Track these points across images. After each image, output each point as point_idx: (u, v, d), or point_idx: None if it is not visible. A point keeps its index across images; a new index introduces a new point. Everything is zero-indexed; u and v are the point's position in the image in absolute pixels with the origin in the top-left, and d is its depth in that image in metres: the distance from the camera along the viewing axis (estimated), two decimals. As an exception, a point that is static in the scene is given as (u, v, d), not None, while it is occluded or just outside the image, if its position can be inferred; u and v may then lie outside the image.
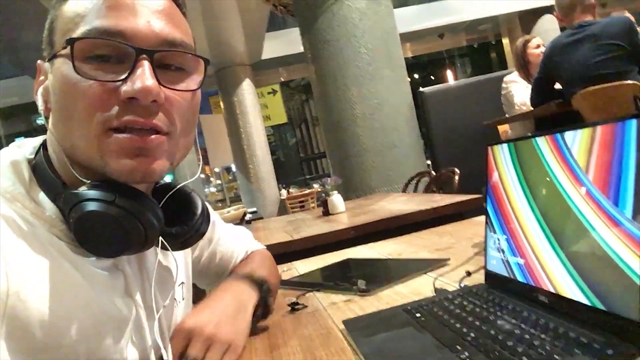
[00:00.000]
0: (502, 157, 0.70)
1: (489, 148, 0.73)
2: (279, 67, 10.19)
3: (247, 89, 8.48)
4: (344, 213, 2.34)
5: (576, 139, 0.55)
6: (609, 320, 0.48)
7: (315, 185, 8.39)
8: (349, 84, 3.66)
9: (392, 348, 0.57)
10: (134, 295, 0.61)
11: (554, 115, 2.76)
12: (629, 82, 2.24)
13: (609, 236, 0.49)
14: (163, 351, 0.62)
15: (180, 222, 0.63)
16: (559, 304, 0.56)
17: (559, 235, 0.57)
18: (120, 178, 0.55)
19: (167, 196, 0.64)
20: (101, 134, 0.54)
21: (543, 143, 0.60)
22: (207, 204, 0.70)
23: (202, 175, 15.37)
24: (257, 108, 8.66)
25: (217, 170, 15.59)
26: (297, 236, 1.80)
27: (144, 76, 0.53)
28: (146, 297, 0.63)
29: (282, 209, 7.56)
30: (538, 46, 3.24)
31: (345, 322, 0.69)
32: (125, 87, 0.53)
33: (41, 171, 0.58)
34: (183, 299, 0.74)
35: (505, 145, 0.69)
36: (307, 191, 7.52)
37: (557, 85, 2.77)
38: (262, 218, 4.01)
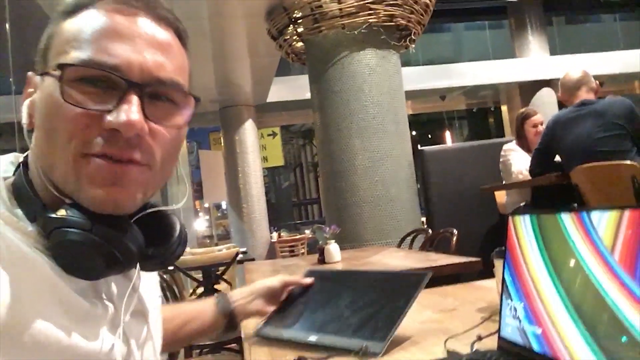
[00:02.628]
0: (523, 227, 0.73)
1: (510, 218, 0.76)
2: (282, 111, 10.33)
3: (249, 129, 8.57)
4: (340, 263, 2.34)
5: (603, 219, 0.57)
6: (631, 398, 0.49)
7: (307, 231, 8.37)
8: (352, 135, 3.73)
9: None
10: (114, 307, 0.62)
11: (550, 185, 2.82)
12: (628, 162, 2.31)
13: (634, 317, 0.51)
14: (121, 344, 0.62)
15: (158, 243, 0.64)
16: (577, 377, 0.57)
17: (580, 309, 0.59)
18: (92, 207, 0.55)
19: (140, 215, 0.63)
20: (79, 157, 0.54)
21: (568, 219, 0.63)
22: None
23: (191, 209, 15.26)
24: (257, 148, 8.73)
25: (206, 205, 15.53)
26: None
27: (130, 111, 0.54)
28: (122, 307, 0.63)
29: (271, 252, 7.51)
30: (535, 125, 3.32)
31: (359, 376, 0.70)
32: (110, 118, 0.54)
33: (19, 190, 0.58)
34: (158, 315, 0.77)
35: (527, 217, 0.72)
36: (299, 236, 7.50)
37: (557, 158, 2.85)
38: (253, 259, 3.98)
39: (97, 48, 0.55)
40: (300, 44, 4.38)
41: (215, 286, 3.50)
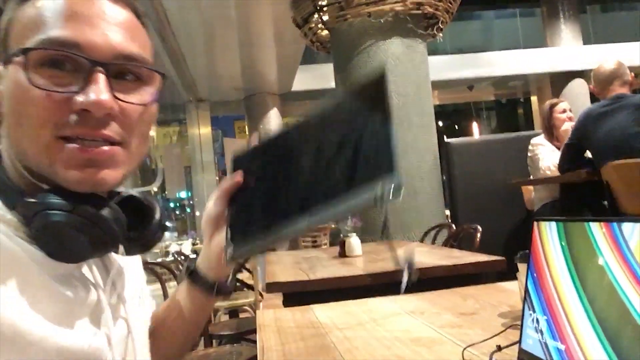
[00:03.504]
0: (548, 234, 0.68)
1: (535, 223, 0.72)
2: (306, 100, 10.31)
3: (273, 118, 8.58)
4: (361, 257, 2.31)
5: (636, 232, 0.53)
6: None
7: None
8: (377, 126, 3.68)
9: None
10: (98, 290, 0.62)
11: (580, 182, 2.74)
12: (663, 159, 2.21)
13: (668, 340, 0.47)
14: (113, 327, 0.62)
15: (139, 226, 0.65)
16: (602, 400, 0.53)
17: (607, 326, 0.55)
18: (70, 187, 0.55)
19: (117, 199, 0.64)
20: (51, 142, 0.54)
21: (597, 229, 0.59)
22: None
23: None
24: (281, 137, 8.74)
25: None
26: (313, 276, 1.79)
27: (98, 89, 0.54)
28: (108, 291, 0.64)
29: (293, 242, 7.54)
30: (564, 111, 3.24)
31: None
32: (79, 99, 0.54)
33: None
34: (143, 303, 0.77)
35: (554, 224, 0.68)
36: (321, 226, 7.49)
37: (587, 154, 2.75)
38: (274, 250, 3.99)
39: (58, 30, 0.54)
40: (325, 32, 4.33)
41: (238, 275, 3.52)
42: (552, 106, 3.30)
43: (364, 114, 0.63)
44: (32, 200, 0.54)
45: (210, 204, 0.75)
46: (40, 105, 0.53)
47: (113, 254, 0.68)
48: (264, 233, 0.69)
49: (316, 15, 4.15)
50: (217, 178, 8.81)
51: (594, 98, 2.83)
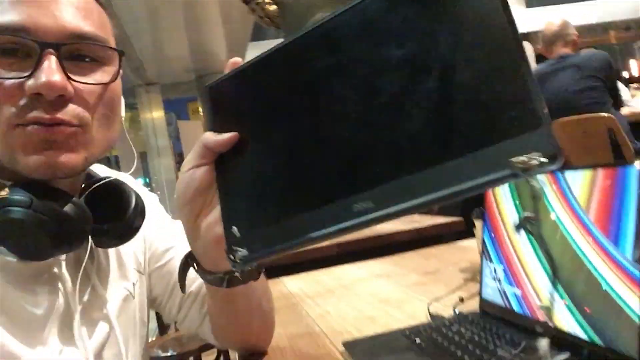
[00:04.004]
0: (500, 188, 0.73)
1: (488, 180, 0.76)
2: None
3: (227, 97, 8.44)
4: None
5: (577, 179, 0.58)
6: (607, 355, 0.50)
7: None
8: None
9: None
10: (63, 289, 0.60)
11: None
12: (604, 114, 2.33)
13: (609, 275, 0.52)
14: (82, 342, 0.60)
15: (114, 217, 0.63)
16: (556, 337, 0.58)
17: (558, 269, 0.60)
18: (31, 174, 0.54)
19: (89, 190, 0.63)
20: (9, 129, 0.53)
21: (544, 179, 0.63)
22: (149, 198, 0.70)
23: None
24: (236, 116, 8.61)
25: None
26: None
27: (49, 70, 0.52)
28: (80, 291, 0.61)
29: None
30: None
31: (345, 344, 0.71)
32: (29, 83, 0.52)
33: None
34: (134, 297, 0.71)
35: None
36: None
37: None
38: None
39: (4, 15, 0.53)
40: (273, 7, 4.27)
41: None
42: None
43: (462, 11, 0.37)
44: None
45: (188, 168, 0.54)
46: None
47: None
48: (291, 226, 0.44)
49: (263, -10, 4.09)
50: (175, 163, 8.66)
51: (541, 60, 2.91)
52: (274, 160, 0.47)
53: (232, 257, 0.48)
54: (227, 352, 2.32)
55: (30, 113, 0.53)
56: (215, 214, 0.54)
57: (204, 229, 0.55)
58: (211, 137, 0.51)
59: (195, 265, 0.61)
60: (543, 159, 0.31)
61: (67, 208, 0.55)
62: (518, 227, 0.68)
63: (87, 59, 0.58)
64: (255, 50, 8.69)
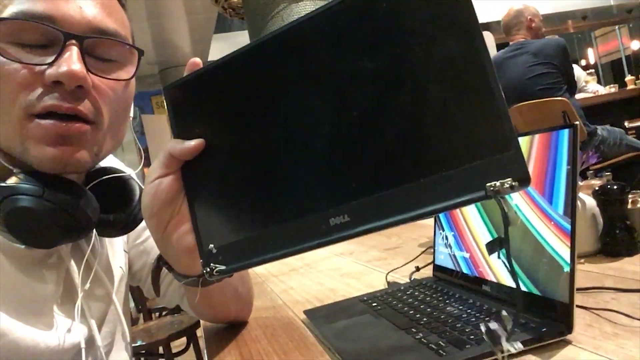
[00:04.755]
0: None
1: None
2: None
3: (191, 90, 8.34)
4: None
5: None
6: (543, 303, 0.55)
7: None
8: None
9: (353, 332, 0.62)
10: (70, 276, 0.61)
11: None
12: (559, 98, 2.42)
13: (544, 229, 0.56)
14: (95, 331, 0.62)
15: (118, 208, 0.63)
16: (500, 292, 0.62)
17: (501, 230, 0.64)
18: (42, 167, 0.54)
19: (96, 181, 0.63)
20: (23, 119, 0.52)
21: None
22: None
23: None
24: (201, 110, 8.52)
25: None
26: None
27: (71, 60, 0.52)
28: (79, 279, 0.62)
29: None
30: None
31: (306, 312, 0.74)
32: (50, 70, 0.52)
33: None
34: (126, 275, 0.74)
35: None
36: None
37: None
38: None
39: (31, 3, 0.52)
40: (237, -2, 4.24)
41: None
42: None
43: (429, 24, 0.37)
44: (1, 184, 0.52)
45: (154, 177, 0.53)
46: (11, 79, 0.52)
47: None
48: (267, 239, 0.44)
49: (225, -20, 4.06)
50: (140, 158, 8.50)
51: (501, 49, 2.99)
52: (243, 171, 0.47)
53: (208, 270, 0.49)
54: (197, 340, 2.33)
55: (48, 101, 0.52)
56: (185, 224, 0.53)
57: (175, 240, 0.55)
58: (177, 145, 0.51)
59: (167, 268, 0.60)
60: (514, 183, 0.33)
61: (78, 199, 0.55)
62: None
63: (105, 59, 0.58)
64: (219, 43, 8.64)
